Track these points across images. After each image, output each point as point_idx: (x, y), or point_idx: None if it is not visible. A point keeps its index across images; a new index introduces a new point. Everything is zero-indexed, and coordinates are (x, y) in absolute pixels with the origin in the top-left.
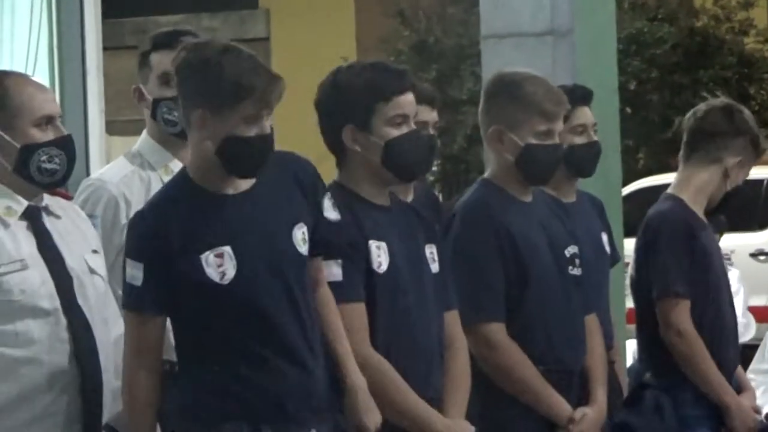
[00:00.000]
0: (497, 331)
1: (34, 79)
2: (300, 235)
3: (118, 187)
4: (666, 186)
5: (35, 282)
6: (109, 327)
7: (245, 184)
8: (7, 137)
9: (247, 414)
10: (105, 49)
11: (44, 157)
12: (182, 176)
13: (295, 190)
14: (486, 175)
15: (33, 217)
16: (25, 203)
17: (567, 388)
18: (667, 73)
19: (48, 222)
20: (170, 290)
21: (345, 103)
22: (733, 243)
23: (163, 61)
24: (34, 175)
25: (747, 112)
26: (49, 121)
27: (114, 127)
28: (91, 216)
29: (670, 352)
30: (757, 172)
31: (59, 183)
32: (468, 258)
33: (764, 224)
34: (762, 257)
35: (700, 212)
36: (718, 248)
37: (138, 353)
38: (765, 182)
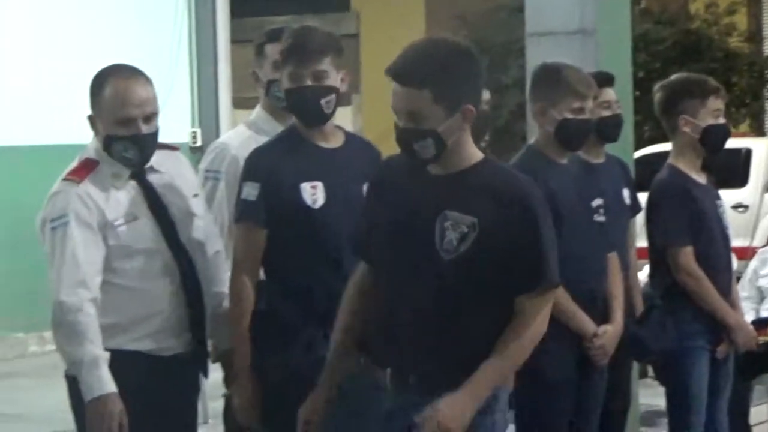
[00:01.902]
0: None
1: (139, 78)
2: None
3: (238, 149)
4: (665, 152)
5: (145, 229)
6: (207, 255)
7: (334, 142)
8: (99, 125)
9: (320, 320)
10: (232, 42)
11: (121, 148)
12: (292, 130)
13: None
14: (531, 142)
15: (139, 178)
16: (128, 170)
17: (592, 310)
18: (667, 65)
19: (153, 178)
20: (275, 208)
21: None
22: None
23: (275, 50)
24: (117, 159)
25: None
26: (129, 121)
27: (238, 102)
28: (217, 172)
29: (674, 283)
30: (736, 143)
31: (136, 167)
32: None
33: (742, 183)
34: (740, 209)
35: (692, 172)
36: (713, 198)
37: (243, 260)
38: (743, 151)
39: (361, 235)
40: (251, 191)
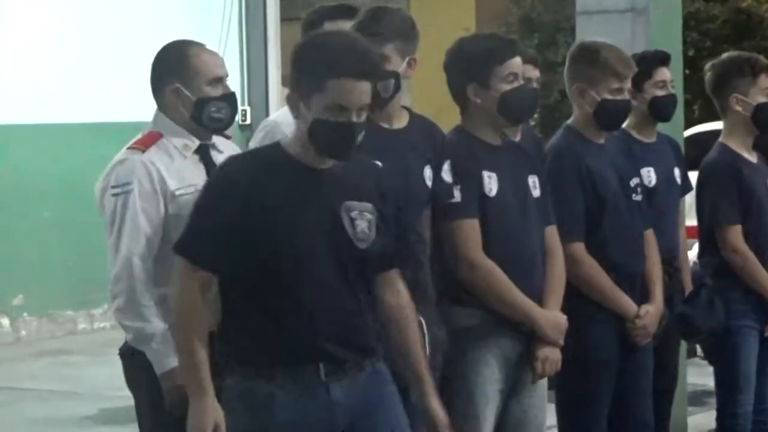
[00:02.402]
0: (579, 248)
1: (208, 47)
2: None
3: (289, 127)
4: (715, 131)
5: None
6: None
7: (398, 123)
8: (186, 92)
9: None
10: (282, 20)
11: (213, 109)
12: None
13: None
14: (569, 122)
15: (203, 153)
16: (197, 142)
17: (631, 289)
18: (718, 43)
19: (214, 156)
20: None
21: (469, 65)
22: None
23: (334, 28)
24: (206, 122)
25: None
26: (218, 81)
27: (287, 80)
28: None
29: (723, 262)
30: None
31: (225, 128)
32: (555, 190)
33: None
34: None
35: (743, 150)
36: (764, 177)
37: None
38: None
39: (209, 241)
40: None
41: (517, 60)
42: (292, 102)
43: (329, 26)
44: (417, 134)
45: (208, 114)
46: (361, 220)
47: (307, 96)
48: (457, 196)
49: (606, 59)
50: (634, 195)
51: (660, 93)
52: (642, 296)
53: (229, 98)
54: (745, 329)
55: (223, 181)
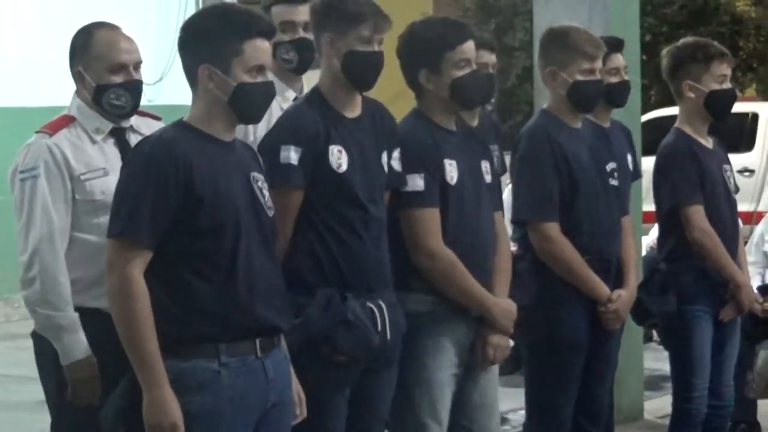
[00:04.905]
0: (553, 228)
1: (123, 31)
2: (386, 159)
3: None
4: (672, 116)
5: (114, 185)
6: None
7: (353, 111)
8: (88, 77)
9: (337, 281)
10: (239, 2)
11: (113, 96)
12: (316, 93)
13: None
14: (545, 106)
15: (118, 135)
16: (110, 125)
17: (606, 274)
18: (674, 29)
19: (132, 139)
20: (308, 170)
21: (420, 51)
22: None
23: (282, 12)
24: (107, 108)
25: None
26: (122, 67)
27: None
28: None
29: (678, 246)
30: (742, 107)
31: (127, 116)
32: (532, 172)
33: (748, 148)
34: (746, 173)
35: (699, 136)
36: (720, 162)
37: (283, 222)
38: (749, 115)
39: (148, 220)
40: (292, 155)
41: (470, 45)
42: (201, 79)
43: (274, 10)
44: (370, 119)
45: (108, 100)
46: (265, 189)
47: (224, 64)
48: (420, 184)
49: (575, 41)
50: (610, 179)
51: (613, 80)
52: (617, 282)
53: (130, 85)
54: (699, 313)
55: (151, 159)
